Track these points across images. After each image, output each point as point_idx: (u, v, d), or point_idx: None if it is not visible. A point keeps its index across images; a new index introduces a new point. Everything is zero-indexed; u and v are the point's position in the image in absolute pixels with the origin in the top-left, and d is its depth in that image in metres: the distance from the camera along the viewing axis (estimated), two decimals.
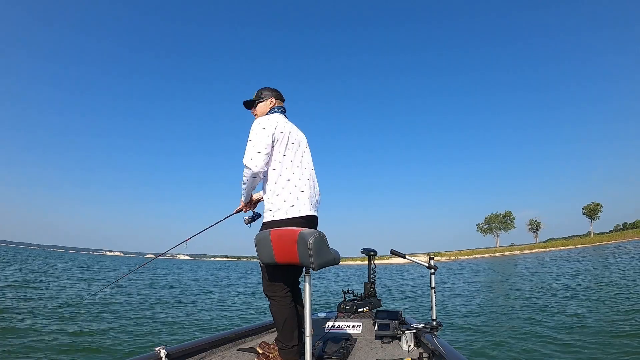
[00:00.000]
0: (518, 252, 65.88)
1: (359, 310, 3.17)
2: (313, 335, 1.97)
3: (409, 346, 2.56)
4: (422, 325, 2.62)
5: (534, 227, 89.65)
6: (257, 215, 2.60)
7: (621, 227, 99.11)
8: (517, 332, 6.46)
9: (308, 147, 2.49)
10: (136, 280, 18.43)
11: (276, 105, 2.49)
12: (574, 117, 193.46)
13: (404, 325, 2.73)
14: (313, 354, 1.93)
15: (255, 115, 2.53)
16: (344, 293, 3.37)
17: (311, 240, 1.75)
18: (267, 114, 2.41)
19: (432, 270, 2.78)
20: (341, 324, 3.05)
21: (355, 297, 3.36)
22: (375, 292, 3.40)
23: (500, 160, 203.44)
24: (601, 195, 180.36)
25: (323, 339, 2.69)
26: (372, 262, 3.39)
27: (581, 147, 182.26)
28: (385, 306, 3.33)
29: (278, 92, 2.55)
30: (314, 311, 2.70)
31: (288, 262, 1.89)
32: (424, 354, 2.32)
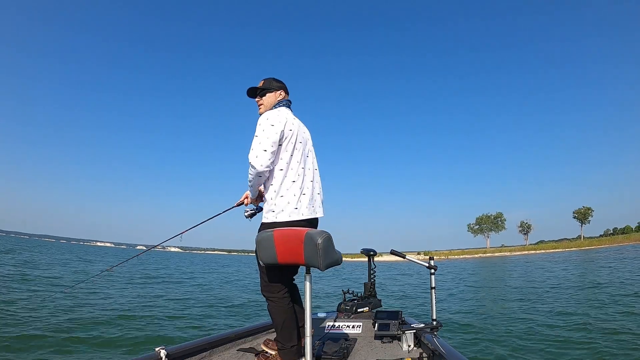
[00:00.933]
0: (508, 254, 66.59)
1: (359, 310, 3.16)
2: (313, 335, 1.96)
3: (409, 346, 2.55)
4: (422, 325, 2.62)
5: (525, 228, 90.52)
6: (259, 210, 2.52)
7: (611, 232, 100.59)
8: (516, 332, 6.54)
9: (312, 146, 2.44)
10: (129, 272, 18.22)
11: (285, 98, 2.38)
12: (570, 121, 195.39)
13: (404, 325, 2.73)
14: (313, 354, 1.94)
15: (260, 105, 2.36)
16: (344, 293, 3.36)
17: (320, 241, 1.74)
18: (273, 107, 2.31)
19: (432, 270, 2.77)
20: (341, 324, 3.04)
21: (355, 297, 3.35)
22: (375, 292, 3.40)
23: (492, 162, 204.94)
24: (592, 200, 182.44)
25: (323, 339, 2.69)
26: (371, 262, 3.38)
27: (575, 152, 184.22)
28: (385, 306, 3.34)
29: (285, 85, 2.42)
30: (313, 311, 2.69)
31: (291, 262, 1.88)
32: (424, 354, 2.32)
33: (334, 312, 3.24)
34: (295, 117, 2.34)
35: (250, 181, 2.24)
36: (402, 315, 2.88)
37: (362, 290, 3.42)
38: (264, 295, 2.26)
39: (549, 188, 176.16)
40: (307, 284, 1.88)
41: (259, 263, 2.15)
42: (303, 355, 2.03)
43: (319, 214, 2.34)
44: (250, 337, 2.90)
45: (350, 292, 3.39)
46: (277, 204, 2.18)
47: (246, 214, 2.52)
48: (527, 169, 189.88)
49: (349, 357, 2.44)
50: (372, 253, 3.36)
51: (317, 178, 2.39)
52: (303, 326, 2.13)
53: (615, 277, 14.52)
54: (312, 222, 2.28)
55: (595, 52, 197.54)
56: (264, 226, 2.21)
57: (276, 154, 2.15)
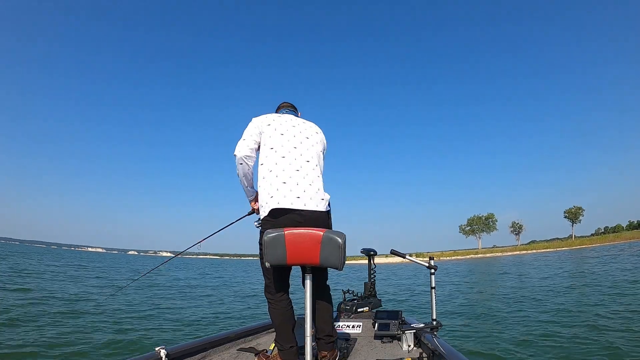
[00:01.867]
0: (500, 254, 66.97)
1: (359, 310, 3.17)
2: (313, 335, 1.96)
3: (409, 346, 2.56)
4: (422, 325, 2.63)
5: (516, 229, 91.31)
6: None
7: (602, 230, 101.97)
8: (515, 332, 6.57)
9: (317, 141, 2.37)
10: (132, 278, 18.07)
11: (282, 108, 2.55)
12: (560, 122, 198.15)
13: (404, 325, 2.73)
14: (313, 354, 1.94)
15: None
16: (344, 293, 3.36)
17: (341, 242, 1.76)
18: None
19: (432, 270, 2.79)
20: (341, 324, 3.04)
21: (355, 297, 3.35)
22: (375, 292, 3.41)
23: (483, 163, 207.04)
24: (583, 199, 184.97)
25: None
26: (371, 262, 3.39)
27: (565, 152, 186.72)
28: (385, 306, 3.35)
29: (284, 103, 2.61)
30: None
31: (302, 263, 1.87)
32: (424, 354, 2.32)
33: (334, 312, 3.25)
34: (284, 115, 2.41)
35: (237, 174, 2.34)
36: (402, 315, 2.88)
37: (362, 290, 3.43)
38: (265, 297, 2.27)
39: (539, 188, 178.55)
40: (307, 283, 1.88)
41: (262, 264, 2.11)
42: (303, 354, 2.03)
43: (308, 206, 2.16)
44: (250, 337, 2.89)
45: (350, 292, 3.40)
46: (260, 198, 2.21)
47: (256, 223, 2.38)
48: (517, 170, 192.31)
49: (349, 357, 2.44)
50: (372, 253, 3.37)
51: (309, 170, 2.25)
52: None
53: (609, 274, 14.76)
54: (302, 213, 2.14)
55: (581, 56, 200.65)
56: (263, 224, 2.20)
57: (258, 150, 2.29)
